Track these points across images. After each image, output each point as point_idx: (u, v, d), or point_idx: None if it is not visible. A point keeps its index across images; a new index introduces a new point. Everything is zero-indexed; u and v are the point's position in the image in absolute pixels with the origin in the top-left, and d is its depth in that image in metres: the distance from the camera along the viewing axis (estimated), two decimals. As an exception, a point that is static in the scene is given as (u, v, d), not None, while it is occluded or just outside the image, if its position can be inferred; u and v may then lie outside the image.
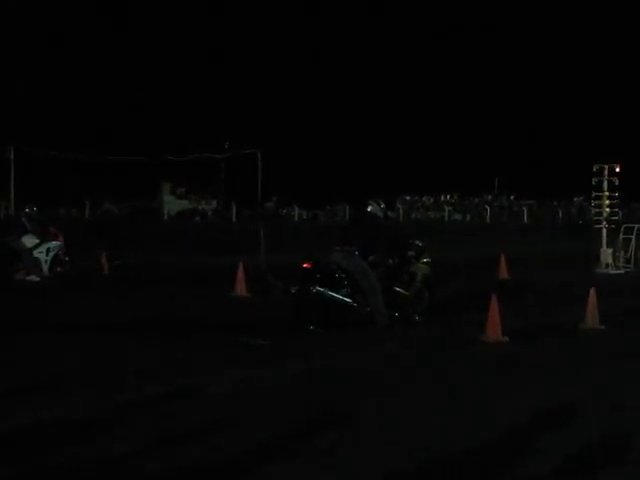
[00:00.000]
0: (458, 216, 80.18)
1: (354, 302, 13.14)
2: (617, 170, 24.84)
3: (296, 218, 73.44)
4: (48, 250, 20.79)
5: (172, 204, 79.34)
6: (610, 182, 24.90)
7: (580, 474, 6.59)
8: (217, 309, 15.66)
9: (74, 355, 11.03)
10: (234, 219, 67.24)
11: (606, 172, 24.86)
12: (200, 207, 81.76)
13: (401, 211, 77.71)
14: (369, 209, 14.13)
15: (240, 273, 17.84)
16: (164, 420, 7.91)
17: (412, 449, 7.04)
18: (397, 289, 13.74)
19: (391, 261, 13.82)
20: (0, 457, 6.79)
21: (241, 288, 17.77)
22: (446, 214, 78.79)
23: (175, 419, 7.96)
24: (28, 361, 10.66)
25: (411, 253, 14.10)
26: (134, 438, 7.27)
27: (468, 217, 79.49)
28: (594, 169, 25.01)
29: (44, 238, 20.95)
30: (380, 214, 14.24)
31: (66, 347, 11.58)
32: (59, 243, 21.25)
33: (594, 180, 25.09)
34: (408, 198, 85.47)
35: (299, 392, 9.16)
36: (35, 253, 20.57)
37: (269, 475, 6.42)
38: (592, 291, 13.58)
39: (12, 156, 26.93)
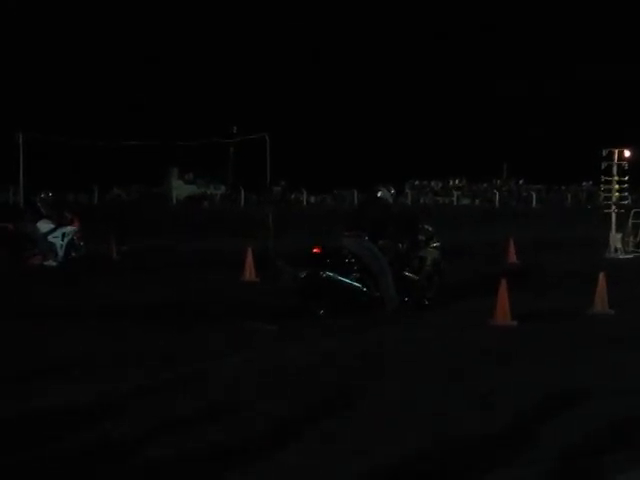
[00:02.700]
0: (467, 201, 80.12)
1: (364, 286, 13.14)
2: (627, 154, 24.75)
3: (304, 203, 73.39)
4: (63, 235, 20.86)
5: (180, 189, 79.35)
6: (619, 166, 24.82)
7: (584, 458, 6.60)
8: (226, 294, 15.67)
9: (80, 340, 11.07)
10: (242, 204, 67.24)
11: (615, 156, 24.78)
12: (208, 192, 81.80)
13: (410, 196, 77.64)
14: (379, 194, 14.13)
15: (249, 258, 17.85)
16: (169, 405, 7.94)
17: (415, 435, 7.06)
18: (407, 274, 13.74)
19: (401, 246, 13.82)
20: (4, 444, 6.82)
21: (250, 273, 17.79)
22: (455, 199, 78.71)
23: (180, 404, 8.00)
24: (32, 346, 10.69)
25: (421, 238, 14.11)
26: (139, 423, 7.31)
27: (477, 202, 79.41)
28: (603, 153, 24.92)
29: (59, 223, 21.01)
30: (390, 200, 14.24)
31: (73, 332, 11.63)
32: (74, 228, 21.30)
33: (603, 164, 25.01)
34: (417, 183, 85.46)
35: (305, 376, 9.18)
36: (50, 238, 20.63)
37: (273, 460, 6.45)
38: (601, 276, 13.56)
39: (20, 141, 26.93)
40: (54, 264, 20.25)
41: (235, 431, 7.15)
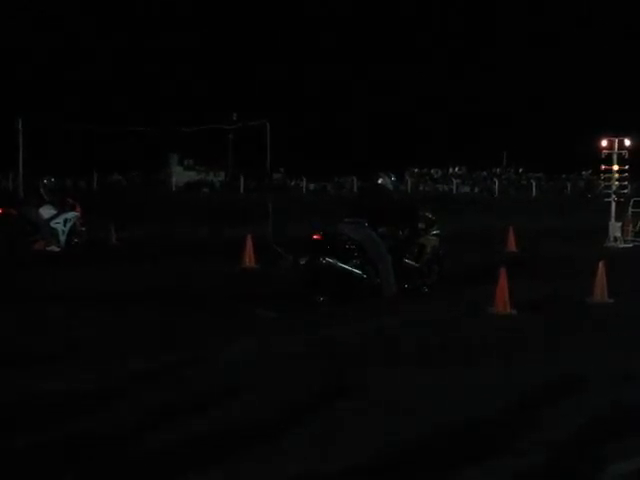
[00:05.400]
0: (466, 189, 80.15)
1: (364, 273, 13.14)
2: (627, 143, 24.70)
3: (304, 190, 73.41)
4: (66, 221, 20.88)
5: (180, 175, 79.39)
6: (619, 155, 24.77)
7: (583, 446, 6.62)
8: (225, 281, 15.68)
9: (79, 325, 11.11)
10: (242, 191, 67.26)
11: (616, 145, 24.73)
12: (209, 178, 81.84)
13: (409, 183, 77.63)
14: (379, 181, 14.13)
15: (248, 245, 17.86)
16: (169, 390, 7.98)
17: (414, 423, 7.08)
18: (406, 261, 13.74)
19: (401, 233, 13.82)
20: (14, 428, 6.85)
21: (249, 260, 17.80)
22: (454, 187, 78.72)
23: (180, 389, 8.03)
24: (31, 331, 10.74)
25: (421, 225, 14.11)
26: (139, 408, 7.35)
27: (476, 190, 79.44)
28: (604, 142, 24.86)
29: (62, 209, 21.02)
30: (390, 186, 14.23)
31: (73, 317, 11.65)
32: (76, 214, 21.32)
33: (603, 153, 24.95)
34: (416, 170, 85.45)
35: (304, 364, 9.19)
36: (52, 224, 20.64)
37: (275, 444, 6.49)
38: (601, 264, 13.57)
39: (20, 127, 26.91)
40: (57, 249, 20.28)
41: (235, 416, 7.19)
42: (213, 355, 9.55)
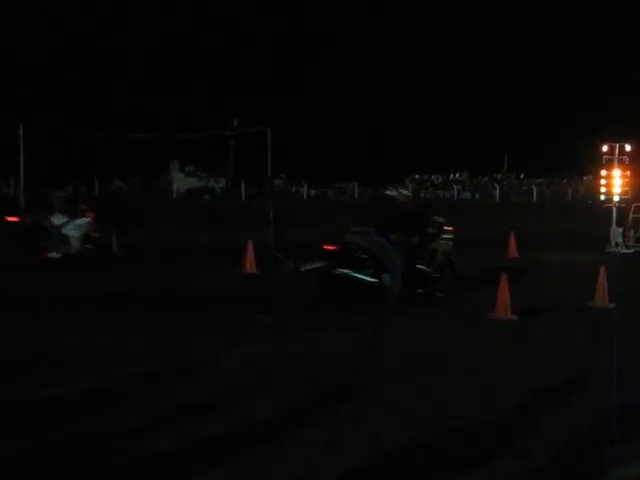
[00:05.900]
0: (467, 195, 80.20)
1: (375, 280, 13.16)
2: (627, 149, 24.68)
3: (305, 196, 73.45)
4: (77, 227, 20.96)
5: (181, 182, 79.40)
6: (620, 161, 24.75)
7: (583, 450, 6.61)
8: (226, 286, 15.68)
9: (81, 329, 11.12)
10: (243, 197, 67.32)
11: (617, 151, 24.71)
12: (210, 185, 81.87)
13: (410, 189, 77.54)
14: (387, 192, 14.33)
15: (249, 251, 17.87)
16: (169, 394, 7.98)
17: (412, 421, 7.11)
18: (418, 267, 13.77)
19: (412, 239, 13.87)
20: (13, 431, 6.85)
21: (250, 265, 17.80)
22: (455, 193, 78.76)
23: (180, 393, 8.03)
24: (41, 330, 10.76)
25: (432, 230, 14.17)
26: (140, 412, 7.35)
27: (477, 196, 79.50)
28: (604, 148, 24.84)
29: (74, 216, 21.11)
30: (402, 198, 14.42)
31: (75, 321, 11.66)
32: (88, 220, 21.40)
33: (604, 159, 24.93)
34: (417, 177, 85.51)
35: (304, 366, 9.20)
36: (64, 230, 20.73)
37: (274, 448, 6.49)
38: (602, 270, 13.56)
39: (21, 133, 26.89)
40: (57, 256, 20.30)
41: (235, 417, 7.18)
42: (213, 356, 9.57)
